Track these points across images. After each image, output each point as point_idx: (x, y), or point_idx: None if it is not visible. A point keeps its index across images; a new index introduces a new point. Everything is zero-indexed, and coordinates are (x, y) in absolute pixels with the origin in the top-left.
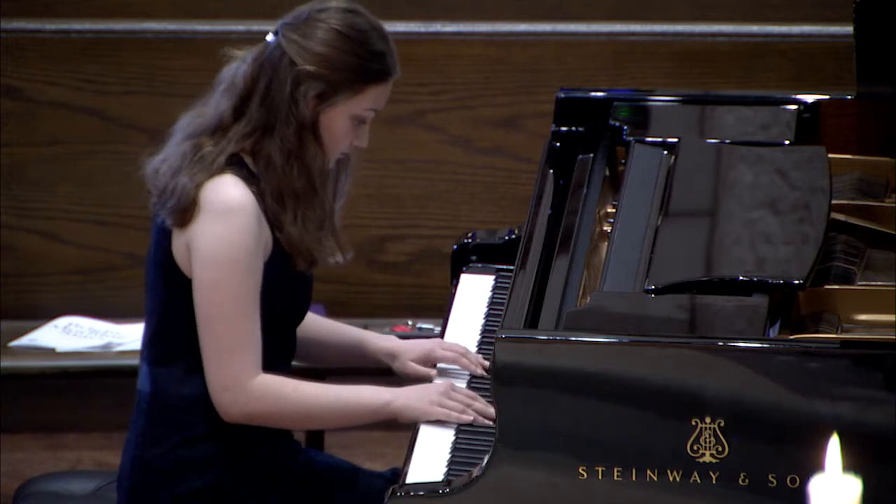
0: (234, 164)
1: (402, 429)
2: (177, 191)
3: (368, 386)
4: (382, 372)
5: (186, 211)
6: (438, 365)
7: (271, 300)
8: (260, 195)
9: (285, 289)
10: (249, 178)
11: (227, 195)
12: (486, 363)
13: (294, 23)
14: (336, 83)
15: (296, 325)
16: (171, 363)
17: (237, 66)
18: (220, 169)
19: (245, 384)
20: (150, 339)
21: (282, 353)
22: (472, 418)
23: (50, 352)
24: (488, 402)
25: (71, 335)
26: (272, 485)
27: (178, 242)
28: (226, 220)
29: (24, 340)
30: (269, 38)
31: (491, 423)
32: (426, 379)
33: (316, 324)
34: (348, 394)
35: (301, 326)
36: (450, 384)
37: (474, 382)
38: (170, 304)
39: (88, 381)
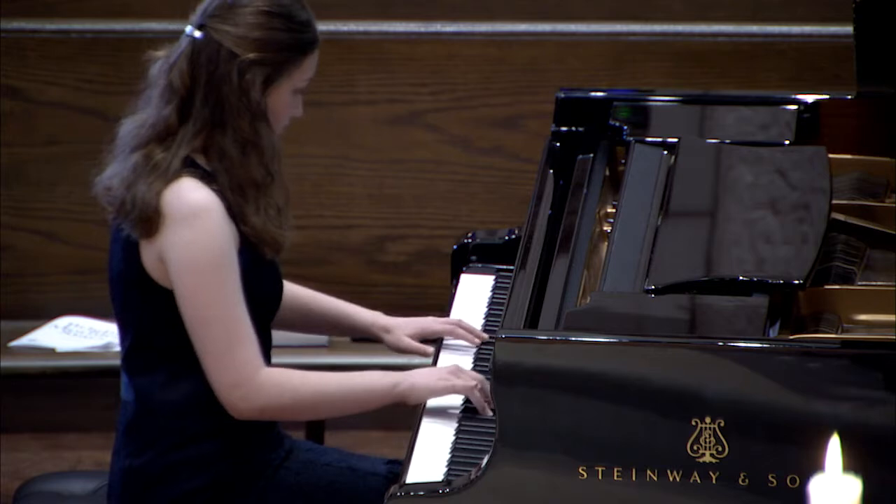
0: (189, 166)
1: (403, 429)
2: (137, 202)
3: (375, 371)
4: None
5: (150, 220)
6: (445, 340)
7: (245, 294)
8: (220, 191)
9: (257, 281)
10: (207, 178)
11: (190, 199)
12: (483, 334)
13: (219, 13)
14: (278, 63)
15: (270, 319)
16: (152, 371)
17: (167, 68)
18: (177, 173)
19: (253, 378)
20: (128, 351)
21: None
22: (475, 385)
23: (50, 352)
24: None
25: (71, 335)
26: (269, 481)
27: (148, 254)
28: (194, 225)
29: (24, 340)
30: (196, 33)
31: (492, 413)
32: (420, 353)
33: (299, 293)
34: (356, 380)
35: (284, 296)
36: (457, 366)
37: (479, 366)
38: (148, 317)
39: (88, 381)
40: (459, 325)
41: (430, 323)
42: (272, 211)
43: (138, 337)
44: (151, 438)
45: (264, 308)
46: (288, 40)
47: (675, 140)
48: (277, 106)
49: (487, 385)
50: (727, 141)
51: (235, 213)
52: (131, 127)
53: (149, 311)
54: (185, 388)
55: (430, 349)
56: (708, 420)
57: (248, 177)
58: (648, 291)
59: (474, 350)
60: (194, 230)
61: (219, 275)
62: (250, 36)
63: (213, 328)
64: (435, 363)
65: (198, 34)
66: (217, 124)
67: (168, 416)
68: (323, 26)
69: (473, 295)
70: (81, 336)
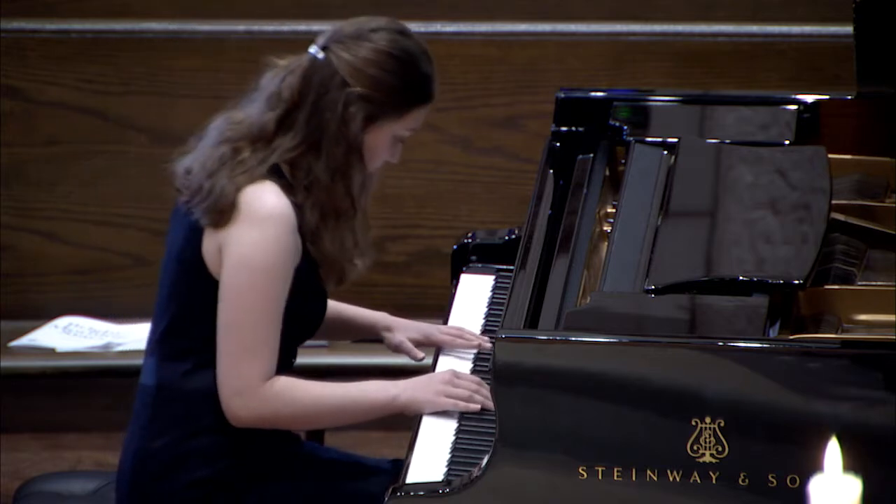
0: (274, 173)
1: (402, 429)
2: (214, 191)
3: (373, 381)
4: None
5: (224, 213)
6: (443, 351)
7: (287, 310)
8: (297, 207)
9: (304, 303)
10: (288, 189)
11: (268, 202)
12: (485, 340)
13: (344, 41)
14: (384, 105)
15: (303, 341)
16: (182, 358)
17: (281, 77)
18: (262, 175)
19: (256, 389)
20: (162, 335)
21: (282, 364)
22: (478, 406)
23: (50, 352)
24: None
25: (71, 335)
26: (275, 475)
27: (210, 242)
28: (264, 227)
29: (24, 340)
30: (319, 54)
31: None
32: (409, 355)
33: None
34: (355, 391)
35: None
36: (453, 372)
37: (479, 366)
38: (192, 302)
39: (88, 381)
40: (461, 335)
41: (433, 332)
42: (348, 243)
43: (176, 322)
44: (167, 425)
45: (301, 329)
46: (399, 87)
47: (675, 140)
48: (374, 145)
49: (486, 389)
50: (727, 141)
51: (309, 234)
52: (226, 121)
53: (195, 296)
54: (207, 380)
55: (421, 354)
56: (708, 420)
57: (331, 204)
58: (648, 291)
59: (474, 352)
60: (262, 232)
61: (268, 282)
62: (366, 71)
63: (239, 332)
64: (434, 365)
65: (320, 55)
66: (313, 145)
67: (188, 403)
68: (323, 26)
69: (473, 295)
70: (81, 336)
